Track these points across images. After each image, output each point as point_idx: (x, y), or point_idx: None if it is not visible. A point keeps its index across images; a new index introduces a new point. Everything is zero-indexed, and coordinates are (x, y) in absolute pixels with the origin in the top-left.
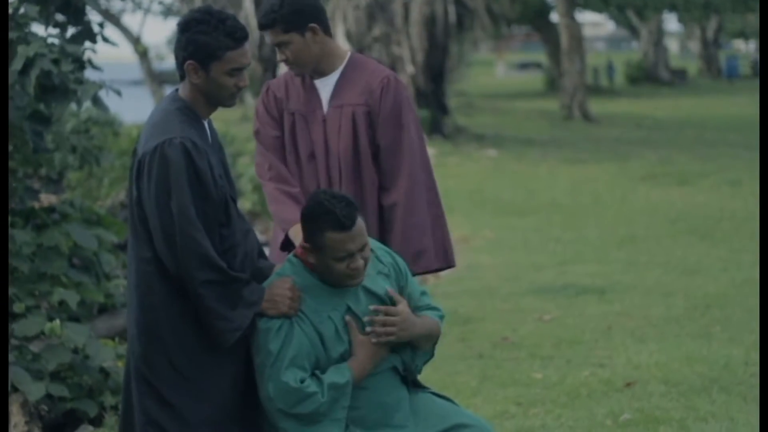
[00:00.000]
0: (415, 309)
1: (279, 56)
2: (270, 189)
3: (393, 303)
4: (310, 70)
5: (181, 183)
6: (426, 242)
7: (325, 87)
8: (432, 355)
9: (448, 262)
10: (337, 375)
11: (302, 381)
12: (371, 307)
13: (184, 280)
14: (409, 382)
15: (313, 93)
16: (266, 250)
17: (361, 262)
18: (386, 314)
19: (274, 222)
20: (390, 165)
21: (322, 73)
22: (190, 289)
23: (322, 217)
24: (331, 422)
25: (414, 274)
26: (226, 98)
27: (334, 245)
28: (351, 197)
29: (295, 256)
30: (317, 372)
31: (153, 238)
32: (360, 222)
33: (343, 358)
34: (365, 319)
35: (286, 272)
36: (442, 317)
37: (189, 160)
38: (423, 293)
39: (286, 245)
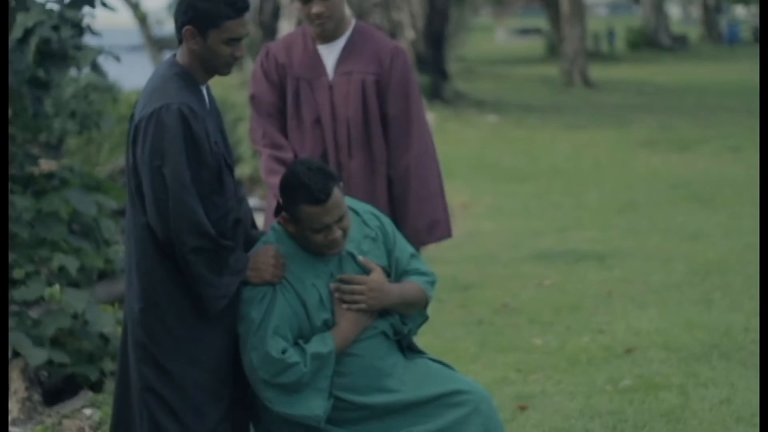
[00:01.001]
0: (404, 273)
1: (315, 8)
2: (264, 156)
3: (367, 272)
4: (333, 29)
5: (177, 149)
6: (438, 213)
7: (330, 53)
8: (426, 317)
9: (450, 233)
10: (321, 344)
11: (284, 351)
12: (338, 276)
13: (174, 246)
14: (404, 347)
15: (316, 59)
16: (263, 216)
17: (338, 233)
18: (353, 283)
19: (268, 189)
20: (399, 135)
21: (330, 38)
22: (179, 255)
23: (297, 189)
24: (314, 391)
25: (428, 244)
26: (222, 67)
27: (310, 218)
28: (329, 168)
29: (279, 224)
30: (300, 342)
31: (145, 203)
32: (337, 193)
33: (327, 325)
34: (331, 286)
35: (270, 240)
36: (432, 282)
37: (186, 125)
38: (413, 256)
39: (279, 212)
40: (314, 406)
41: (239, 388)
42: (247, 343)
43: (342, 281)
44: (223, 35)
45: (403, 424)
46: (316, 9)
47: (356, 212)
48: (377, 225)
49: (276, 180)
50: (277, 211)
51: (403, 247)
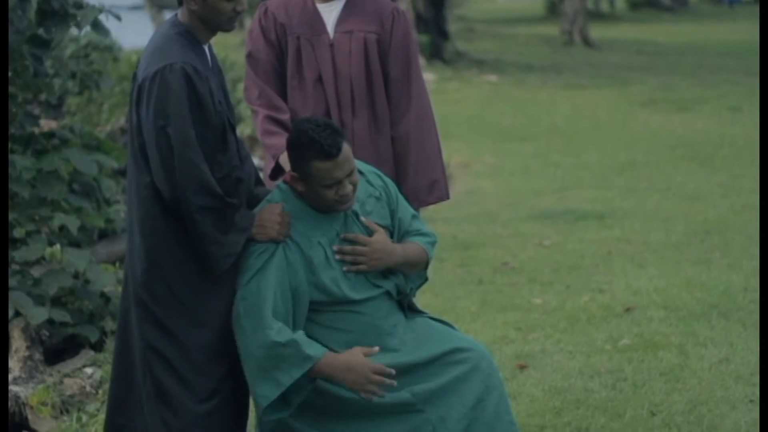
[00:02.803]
0: (405, 234)
1: None
2: (260, 117)
3: (371, 233)
4: None
5: (182, 108)
6: (438, 172)
7: (330, 12)
8: (425, 278)
9: (448, 194)
10: (309, 345)
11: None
12: (342, 236)
13: (180, 205)
14: (405, 306)
15: (316, 17)
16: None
17: (349, 187)
18: (357, 243)
19: (264, 149)
20: (400, 95)
21: None
22: (185, 214)
23: (308, 146)
24: (271, 381)
25: (427, 204)
26: (225, 23)
27: (321, 174)
28: (335, 124)
29: (285, 182)
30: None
31: (150, 164)
32: (346, 148)
33: (337, 285)
34: (333, 247)
35: (276, 199)
36: (433, 243)
37: (190, 85)
38: (414, 217)
39: (276, 173)
40: (264, 390)
41: None
42: (238, 293)
43: (346, 241)
44: None
45: (404, 384)
46: None
47: (360, 172)
48: (381, 185)
49: (273, 141)
50: (274, 174)
51: (405, 208)
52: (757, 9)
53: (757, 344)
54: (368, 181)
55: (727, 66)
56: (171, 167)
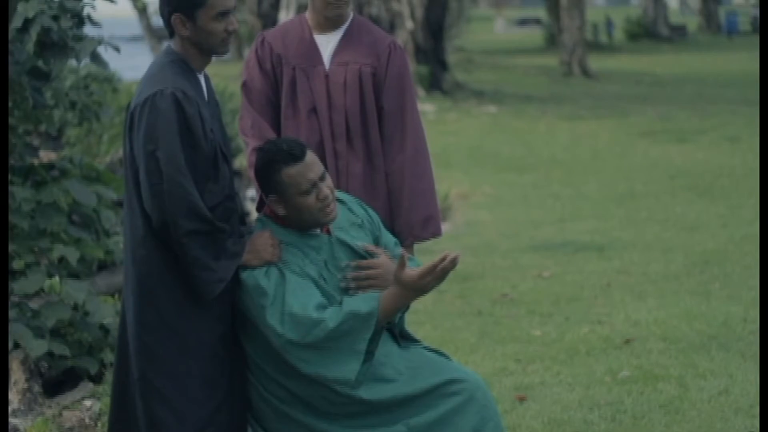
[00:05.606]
0: (392, 258)
1: None
2: (249, 147)
3: (372, 257)
4: (345, 15)
5: (171, 131)
6: (432, 208)
7: (327, 43)
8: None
9: (441, 231)
10: (361, 303)
11: (310, 307)
12: (352, 264)
13: (169, 230)
14: (396, 336)
15: (313, 48)
16: None
17: (327, 190)
18: (368, 268)
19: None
20: (394, 129)
21: (330, 28)
22: (174, 239)
23: (272, 158)
24: (349, 354)
25: (422, 239)
26: (218, 45)
27: (295, 179)
28: (298, 138)
29: (265, 215)
30: (344, 298)
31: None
32: (310, 152)
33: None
34: (350, 275)
35: (258, 230)
36: (418, 266)
37: (179, 109)
38: (396, 244)
39: (261, 205)
40: (347, 369)
41: (235, 378)
42: (266, 317)
43: (360, 268)
44: (211, 11)
45: (400, 417)
46: None
47: (341, 201)
48: (362, 213)
49: None
50: (260, 206)
51: (387, 235)
52: (755, 39)
53: (757, 376)
54: (349, 209)
55: (725, 96)
56: (160, 192)
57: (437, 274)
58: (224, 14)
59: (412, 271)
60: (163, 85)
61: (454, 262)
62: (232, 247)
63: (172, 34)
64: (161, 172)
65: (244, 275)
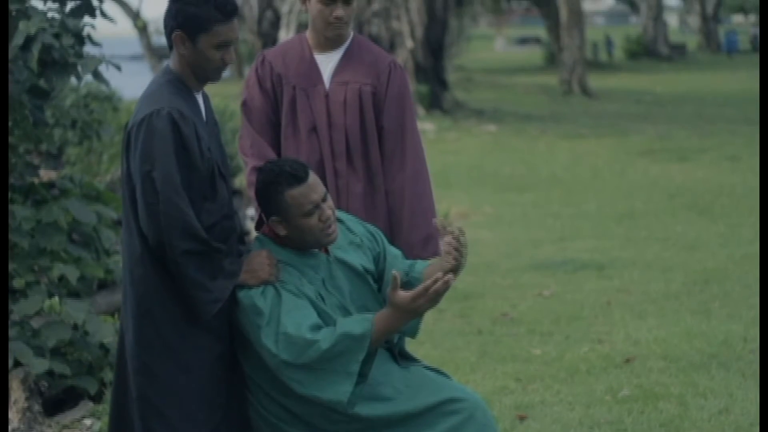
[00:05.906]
0: (412, 265)
1: (338, 11)
2: (248, 167)
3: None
4: (346, 33)
5: (167, 151)
6: (432, 227)
7: (327, 63)
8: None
9: (440, 251)
10: (355, 325)
11: (304, 327)
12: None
13: (165, 250)
14: (396, 355)
15: (313, 67)
16: None
17: (329, 211)
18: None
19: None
20: (394, 148)
21: (330, 47)
22: (170, 259)
23: (275, 179)
24: (342, 375)
25: (422, 259)
26: (212, 72)
27: (298, 200)
28: (300, 159)
29: (264, 234)
30: (338, 319)
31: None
32: (313, 174)
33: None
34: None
35: (257, 249)
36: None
37: (175, 129)
38: (402, 256)
39: (261, 225)
40: (340, 391)
41: (234, 397)
42: (261, 336)
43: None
44: (213, 40)
45: None
46: (338, 12)
47: (340, 220)
48: (362, 231)
49: None
50: (258, 225)
51: (391, 248)
52: (755, 58)
53: (757, 395)
54: (348, 229)
55: (725, 115)
56: (156, 212)
57: (430, 296)
58: (225, 45)
59: (405, 293)
60: (159, 105)
61: (446, 284)
62: (229, 267)
63: (171, 47)
64: (157, 192)
65: (241, 294)
